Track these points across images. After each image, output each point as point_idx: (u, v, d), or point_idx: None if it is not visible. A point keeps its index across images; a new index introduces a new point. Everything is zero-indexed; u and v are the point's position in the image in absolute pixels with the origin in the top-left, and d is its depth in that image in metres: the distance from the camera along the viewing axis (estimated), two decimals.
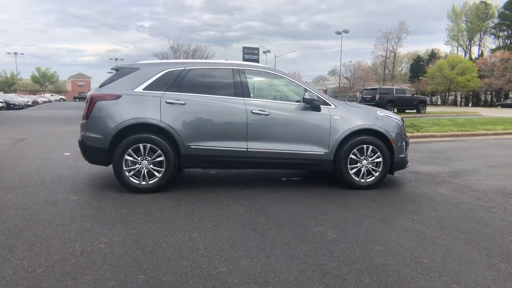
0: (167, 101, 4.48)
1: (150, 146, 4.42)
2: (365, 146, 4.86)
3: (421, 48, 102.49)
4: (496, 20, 70.91)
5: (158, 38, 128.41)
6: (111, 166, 4.53)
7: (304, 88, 4.91)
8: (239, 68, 4.84)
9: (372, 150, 4.88)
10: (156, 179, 4.48)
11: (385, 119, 5.01)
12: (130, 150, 4.40)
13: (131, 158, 4.43)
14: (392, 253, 2.89)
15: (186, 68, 4.70)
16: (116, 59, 78.27)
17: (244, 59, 67.59)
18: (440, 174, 5.98)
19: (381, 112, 5.12)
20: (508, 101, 53.22)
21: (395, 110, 23.57)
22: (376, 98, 23.37)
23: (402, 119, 5.25)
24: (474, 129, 13.05)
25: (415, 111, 25.11)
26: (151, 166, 4.46)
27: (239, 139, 4.61)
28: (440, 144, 10.16)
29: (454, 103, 70.68)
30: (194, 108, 4.54)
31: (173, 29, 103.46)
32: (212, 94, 4.66)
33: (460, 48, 78.34)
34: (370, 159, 4.90)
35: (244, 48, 68.47)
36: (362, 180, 4.89)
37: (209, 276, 2.44)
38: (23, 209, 3.78)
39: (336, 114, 4.82)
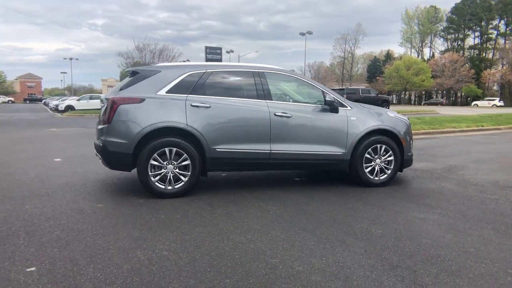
0: (193, 104, 4.46)
1: (176, 150, 4.37)
2: (378, 145, 5.11)
3: (376, 49, 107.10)
4: (444, 24, 75.56)
5: (112, 36, 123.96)
6: (112, 171, 4.42)
7: (322, 90, 5.07)
8: (258, 71, 4.91)
9: (385, 149, 5.14)
10: (182, 183, 4.44)
11: (395, 119, 5.30)
12: (155, 154, 4.33)
13: (156, 163, 4.36)
14: (440, 245, 3.11)
15: (207, 71, 4.69)
16: (71, 59, 74.61)
17: (207, 59, 66.86)
18: (436, 171, 6.38)
19: (391, 113, 5.40)
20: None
21: None
22: None
23: (408, 119, 5.56)
24: (442, 126, 13.92)
25: None
26: (177, 170, 4.42)
27: (263, 141, 4.68)
28: (418, 142, 10.76)
29: (409, 102, 74.54)
30: (219, 111, 4.54)
31: (128, 27, 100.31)
32: (235, 97, 4.70)
33: (413, 50, 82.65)
34: (383, 158, 5.15)
35: (206, 47, 67.79)
36: (376, 178, 5.13)
37: (292, 276, 2.51)
38: (54, 219, 3.61)
39: (352, 116, 5.02)
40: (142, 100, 4.37)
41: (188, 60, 31.95)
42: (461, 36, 73.40)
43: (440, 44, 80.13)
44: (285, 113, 4.75)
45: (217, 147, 4.52)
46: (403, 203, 4.38)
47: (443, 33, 76.55)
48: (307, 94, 5.20)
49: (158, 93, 4.45)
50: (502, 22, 68.00)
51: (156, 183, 4.36)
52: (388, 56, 78.75)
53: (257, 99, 4.74)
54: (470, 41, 73.37)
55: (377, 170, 5.14)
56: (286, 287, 2.37)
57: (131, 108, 4.33)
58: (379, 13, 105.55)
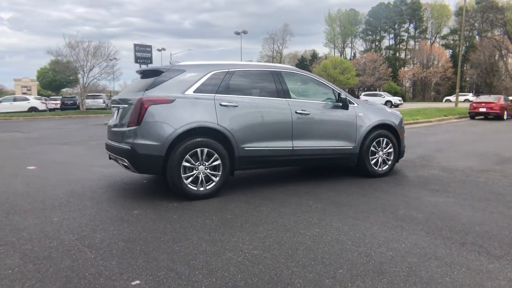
0: (222, 103, 4.42)
1: (207, 150, 4.31)
2: (381, 139, 5.54)
3: (300, 48, 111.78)
4: (363, 26, 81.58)
5: (21, 32, 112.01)
6: (108, 175, 4.26)
7: (332, 88, 5.34)
8: (276, 70, 5.02)
9: (386, 142, 5.60)
10: (213, 183, 4.39)
11: (392, 114, 5.79)
12: (187, 155, 4.22)
13: (188, 164, 4.25)
14: (479, 222, 3.55)
15: (230, 70, 4.67)
16: None
17: (136, 57, 64.10)
18: (413, 160, 7.06)
19: (388, 108, 5.88)
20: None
21: None
22: None
23: (400, 114, 6.11)
24: None
25: None
26: (208, 171, 4.36)
27: (286, 138, 4.81)
28: None
29: None
30: (246, 110, 4.57)
31: (40, 22, 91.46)
32: (258, 96, 4.75)
33: (336, 50, 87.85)
34: (384, 150, 5.60)
35: (135, 45, 64.70)
36: (380, 169, 5.57)
37: (390, 260, 2.71)
38: (103, 230, 3.36)
39: (360, 112, 5.38)
40: (172, 100, 4.22)
41: (115, 59, 30.25)
42: (378, 37, 79.99)
43: (359, 45, 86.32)
44: (304, 110, 4.93)
45: (245, 146, 4.54)
46: (416, 190, 4.84)
47: (362, 34, 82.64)
48: (318, 92, 5.43)
49: (186, 93, 4.33)
50: (412, 25, 75.64)
51: (189, 185, 4.25)
52: (314, 56, 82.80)
53: (278, 97, 4.85)
54: (386, 42, 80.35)
55: (380, 162, 5.58)
56: (395, 269, 2.57)
57: (162, 109, 4.16)
58: (302, 14, 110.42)
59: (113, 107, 4.88)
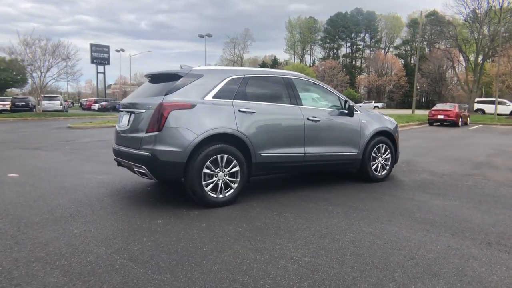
0: (240, 109, 4.39)
1: (226, 157, 4.26)
2: (381, 145, 5.78)
3: (260, 54, 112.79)
4: (322, 34, 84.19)
5: None
6: (99, 182, 4.15)
7: (338, 95, 5.49)
8: (287, 76, 5.08)
9: (385, 148, 5.84)
10: (232, 190, 4.34)
11: (389, 121, 6.05)
12: (208, 162, 4.14)
13: (209, 171, 4.17)
14: (492, 223, 3.81)
15: (246, 76, 4.66)
16: None
17: (92, 58, 61.50)
18: (399, 165, 7.36)
19: (385, 116, 6.14)
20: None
21: None
22: None
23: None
24: None
25: None
26: (227, 177, 4.31)
27: (299, 144, 4.88)
28: None
29: None
30: (263, 116, 4.57)
31: None
32: (272, 102, 4.78)
33: (296, 56, 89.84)
34: (383, 156, 5.84)
35: (92, 45, 62.50)
36: (379, 174, 5.80)
37: (459, 266, 2.85)
38: (137, 242, 3.22)
39: (363, 119, 5.58)
40: (193, 105, 4.13)
41: (69, 58, 28.71)
42: (336, 45, 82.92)
43: (318, 52, 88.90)
44: (315, 117, 5.02)
45: (262, 152, 4.54)
46: (418, 193, 5.09)
47: (321, 42, 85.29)
48: (325, 99, 5.55)
49: (205, 98, 4.26)
50: (367, 35, 79.21)
51: (209, 192, 4.18)
52: (275, 62, 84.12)
53: (291, 104, 4.90)
54: (344, 50, 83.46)
55: (379, 167, 5.80)
56: (445, 270, 2.70)
57: (184, 114, 4.06)
58: (261, 19, 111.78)
59: (123, 111, 4.68)
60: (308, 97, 5.35)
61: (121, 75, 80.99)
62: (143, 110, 4.19)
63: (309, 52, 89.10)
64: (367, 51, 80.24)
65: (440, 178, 6.22)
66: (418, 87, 67.09)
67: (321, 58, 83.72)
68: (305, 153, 4.93)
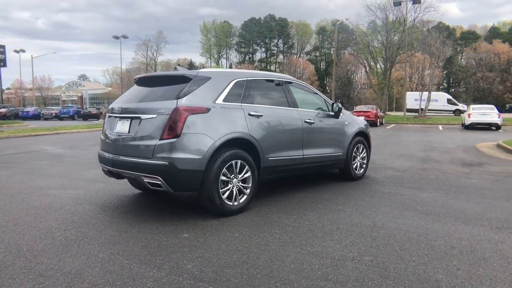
0: (250, 113, 4.27)
1: (240, 162, 4.11)
2: (359, 145, 6.13)
3: (173, 57, 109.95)
4: (237, 39, 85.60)
5: None
6: (87, 193, 3.89)
7: (323, 98, 5.67)
8: (281, 79, 5.09)
9: (362, 148, 6.21)
10: (245, 197, 4.20)
11: (363, 122, 6.44)
12: (224, 169, 3.95)
13: (225, 178, 3.98)
14: (484, 211, 4.32)
15: (248, 78, 4.55)
16: None
17: None
18: None
19: (359, 117, 6.51)
20: None
21: None
22: None
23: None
24: None
25: None
26: (240, 184, 4.16)
27: (298, 147, 4.92)
28: None
29: None
30: (269, 119, 4.51)
31: None
32: (275, 105, 4.74)
33: (212, 60, 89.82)
34: (361, 155, 6.20)
35: None
36: (358, 173, 6.14)
37: (496, 250, 3.13)
38: (186, 259, 2.93)
39: (346, 120, 5.85)
40: (208, 109, 3.89)
41: None
42: (251, 50, 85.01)
43: (234, 56, 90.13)
44: (310, 119, 5.12)
45: (269, 156, 4.48)
46: (400, 188, 5.50)
47: (236, 46, 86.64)
48: (313, 101, 5.65)
49: (216, 102, 4.05)
50: (281, 41, 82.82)
51: (225, 200, 3.98)
52: (191, 65, 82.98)
53: (289, 106, 4.92)
54: (259, 55, 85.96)
55: (358, 166, 6.14)
56: (490, 255, 2.99)
57: (200, 119, 3.80)
58: (171, 22, 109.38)
59: (116, 116, 4.20)
60: (301, 99, 5.42)
61: (19, 78, 71.87)
62: (153, 115, 3.81)
63: (225, 56, 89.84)
64: (281, 56, 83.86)
65: (404, 173, 6.81)
66: (329, 90, 72.20)
67: (237, 62, 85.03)
68: (303, 155, 4.99)
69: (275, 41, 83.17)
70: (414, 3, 30.18)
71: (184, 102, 3.79)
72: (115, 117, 4.24)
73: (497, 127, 19.77)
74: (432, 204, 4.58)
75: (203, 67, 77.09)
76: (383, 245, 3.22)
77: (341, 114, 5.82)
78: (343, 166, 5.86)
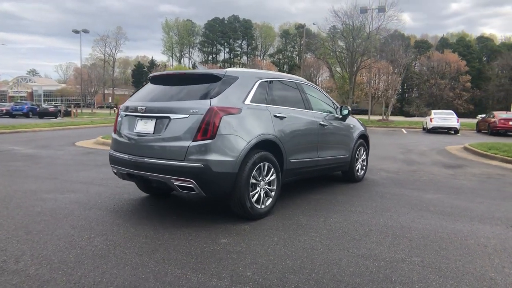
0: (275, 114, 4.23)
1: (267, 164, 4.05)
2: (361, 147, 6.27)
3: (132, 54, 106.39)
4: (201, 38, 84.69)
5: None
6: (88, 196, 3.79)
7: (331, 100, 5.73)
8: (296, 81, 5.08)
9: (363, 150, 6.36)
10: (270, 199, 4.15)
11: (363, 125, 6.59)
12: (254, 171, 3.87)
13: (254, 181, 3.91)
14: (489, 210, 4.58)
15: (269, 79, 4.49)
16: None
17: None
18: None
19: (358, 120, 6.66)
20: None
21: None
22: None
23: None
24: None
25: None
26: (267, 186, 4.10)
27: (314, 149, 4.94)
28: None
29: None
30: (292, 121, 4.49)
31: None
32: (293, 107, 4.72)
33: (174, 59, 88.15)
34: (362, 157, 6.35)
35: None
36: (360, 175, 6.28)
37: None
38: (245, 267, 2.83)
39: (351, 123, 5.96)
40: (240, 110, 3.80)
41: None
42: (215, 50, 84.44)
43: (197, 56, 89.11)
44: (323, 122, 5.16)
45: (291, 158, 4.46)
46: (402, 189, 5.71)
47: (200, 46, 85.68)
48: (323, 104, 5.65)
49: (245, 102, 3.96)
50: (244, 42, 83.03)
51: (255, 204, 3.90)
52: (153, 63, 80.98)
53: (305, 109, 4.93)
54: (223, 55, 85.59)
55: (359, 168, 6.28)
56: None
57: (233, 119, 3.70)
58: (130, 18, 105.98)
59: (137, 116, 3.97)
60: (314, 101, 5.44)
61: None
62: (185, 115, 3.63)
63: (187, 55, 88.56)
64: (245, 57, 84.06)
65: (397, 175, 7.06)
66: None
67: (200, 62, 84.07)
68: (318, 157, 5.02)
69: (239, 42, 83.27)
70: (379, 11, 31.55)
71: (216, 102, 3.67)
72: (136, 116, 4.01)
73: (456, 131, 21.10)
74: (442, 205, 4.78)
75: (165, 66, 75.68)
76: (422, 245, 3.31)
77: (348, 117, 5.92)
78: (347, 168, 5.96)
